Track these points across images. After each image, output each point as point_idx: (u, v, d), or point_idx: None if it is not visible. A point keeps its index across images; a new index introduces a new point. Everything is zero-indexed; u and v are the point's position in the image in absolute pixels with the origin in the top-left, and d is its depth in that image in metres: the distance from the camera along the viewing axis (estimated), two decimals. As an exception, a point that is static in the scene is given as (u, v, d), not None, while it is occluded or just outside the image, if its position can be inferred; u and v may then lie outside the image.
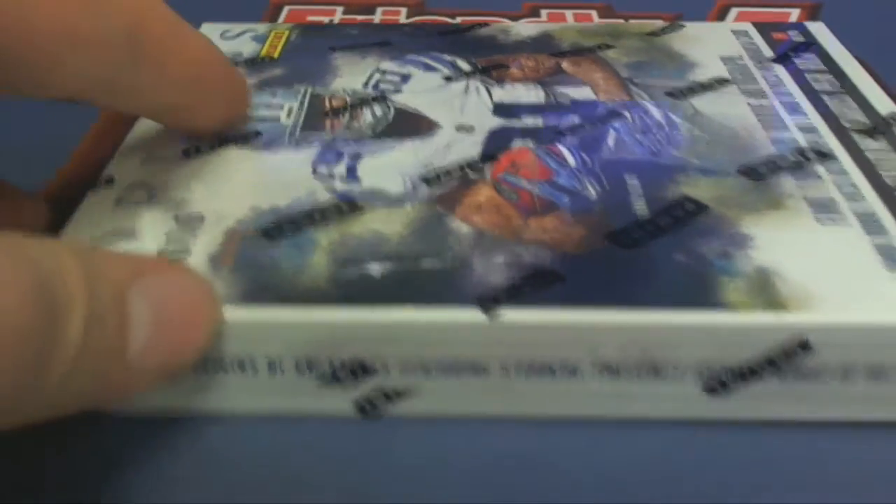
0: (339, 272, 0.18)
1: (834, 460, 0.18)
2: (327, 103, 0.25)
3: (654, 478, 0.18)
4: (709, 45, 0.28)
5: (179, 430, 0.18)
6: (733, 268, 0.18)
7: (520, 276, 0.18)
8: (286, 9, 0.37)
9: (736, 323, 0.17)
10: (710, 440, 0.18)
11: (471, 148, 0.22)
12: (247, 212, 0.20)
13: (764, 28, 0.29)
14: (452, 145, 0.22)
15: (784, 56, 0.27)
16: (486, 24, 0.30)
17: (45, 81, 0.17)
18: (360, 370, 0.18)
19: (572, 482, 0.17)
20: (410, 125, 0.23)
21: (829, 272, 0.18)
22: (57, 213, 0.21)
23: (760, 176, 0.21)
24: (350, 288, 0.18)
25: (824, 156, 0.22)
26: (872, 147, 0.22)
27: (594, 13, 0.35)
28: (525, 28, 0.29)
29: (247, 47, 0.28)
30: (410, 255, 0.19)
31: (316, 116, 0.24)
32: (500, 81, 0.26)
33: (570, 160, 0.22)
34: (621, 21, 0.31)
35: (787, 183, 0.21)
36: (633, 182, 0.21)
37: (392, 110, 0.24)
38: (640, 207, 0.20)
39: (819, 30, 0.29)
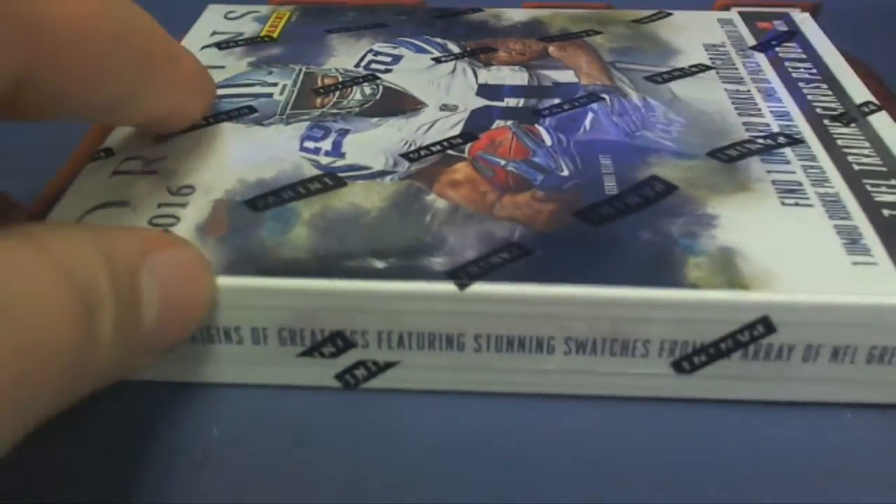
0: (320, 245, 0.19)
1: (795, 441, 0.19)
2: (319, 81, 0.25)
3: (624, 454, 0.18)
4: (694, 32, 0.28)
5: (170, 398, 0.19)
6: (697, 246, 0.19)
7: (491, 250, 0.19)
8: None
9: (698, 299, 0.18)
10: (677, 418, 0.19)
11: (453, 127, 0.23)
12: (234, 184, 0.21)
13: (749, 17, 0.30)
14: (435, 123, 0.23)
15: (766, 44, 0.28)
16: (479, 10, 0.30)
17: (71, 107, 0.17)
18: (340, 342, 0.19)
19: (544, 457, 0.18)
20: (397, 104, 0.24)
21: (791, 253, 0.19)
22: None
23: (730, 158, 0.22)
24: (329, 260, 0.19)
25: (795, 141, 0.23)
26: (843, 133, 0.23)
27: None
28: (516, 13, 0.30)
29: (248, 27, 0.29)
30: (387, 227, 0.19)
31: (307, 94, 0.25)
32: (488, 64, 0.27)
33: (547, 140, 0.23)
34: (611, 9, 0.32)
35: (756, 166, 0.22)
36: (605, 162, 0.22)
37: (380, 89, 0.25)
38: (611, 186, 0.21)
39: (803, 20, 0.29)
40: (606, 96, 0.25)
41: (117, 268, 0.15)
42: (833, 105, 0.24)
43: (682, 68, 0.26)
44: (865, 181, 0.21)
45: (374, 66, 0.26)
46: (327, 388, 0.19)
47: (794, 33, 0.29)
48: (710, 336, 0.18)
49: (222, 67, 0.26)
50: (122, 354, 0.15)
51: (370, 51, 0.27)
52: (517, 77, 0.26)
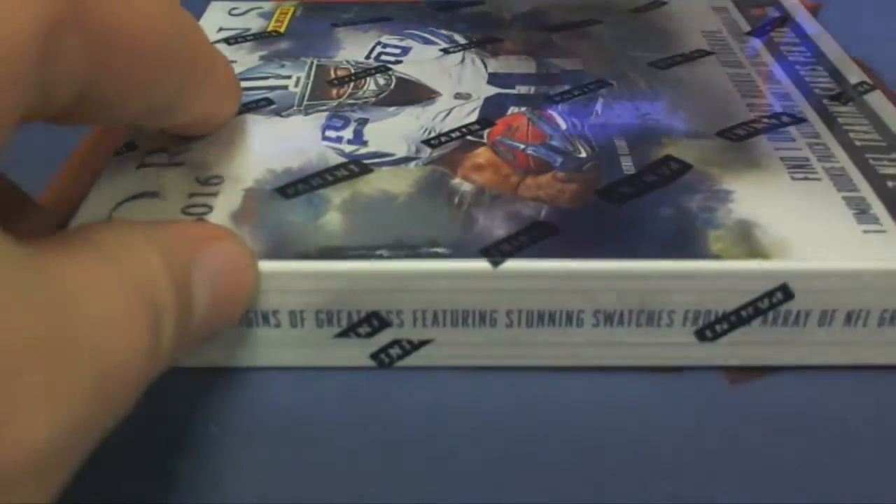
0: (354, 229, 0.19)
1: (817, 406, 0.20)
2: (332, 73, 0.26)
3: (647, 423, 0.19)
4: (690, 20, 0.29)
5: (208, 382, 0.20)
6: (716, 220, 0.20)
7: (519, 229, 0.19)
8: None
9: (721, 269, 0.19)
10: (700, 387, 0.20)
11: (469, 114, 0.24)
12: (263, 173, 0.21)
13: (742, 4, 0.31)
14: (452, 111, 0.24)
15: (761, 30, 0.29)
16: (480, 2, 0.31)
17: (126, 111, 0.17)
18: (375, 321, 0.19)
19: (575, 429, 0.19)
20: (411, 93, 0.25)
21: (805, 224, 0.20)
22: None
23: (738, 137, 0.23)
24: (363, 242, 0.19)
25: (798, 120, 0.24)
26: (842, 111, 0.24)
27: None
28: (518, 4, 0.31)
29: (254, 23, 0.29)
30: (418, 210, 0.20)
31: (322, 85, 0.25)
32: (495, 54, 0.27)
33: (562, 124, 0.23)
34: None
35: (764, 144, 0.22)
36: (620, 143, 0.22)
37: (394, 79, 0.26)
38: (628, 166, 0.21)
39: (794, 7, 0.30)
40: (614, 82, 0.25)
41: (175, 270, 0.15)
42: (830, 85, 0.25)
43: (684, 54, 0.27)
44: (868, 155, 0.22)
45: (383, 57, 0.27)
46: (362, 367, 0.20)
47: (786, 19, 0.30)
48: (732, 304, 0.19)
49: (234, 62, 0.26)
50: (175, 352, 0.15)
51: (378, 43, 0.28)
52: (525, 66, 0.26)
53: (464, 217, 0.20)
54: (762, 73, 0.26)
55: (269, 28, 0.29)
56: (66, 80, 0.14)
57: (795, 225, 0.20)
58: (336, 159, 0.22)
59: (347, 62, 0.27)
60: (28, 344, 0.11)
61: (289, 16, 0.30)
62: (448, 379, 0.20)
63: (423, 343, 0.20)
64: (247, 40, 0.28)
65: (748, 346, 0.20)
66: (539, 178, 0.21)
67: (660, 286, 0.19)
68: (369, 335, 0.19)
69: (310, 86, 0.25)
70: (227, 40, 0.28)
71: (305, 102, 0.24)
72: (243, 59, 0.27)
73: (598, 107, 0.24)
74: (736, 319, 0.19)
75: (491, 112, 0.24)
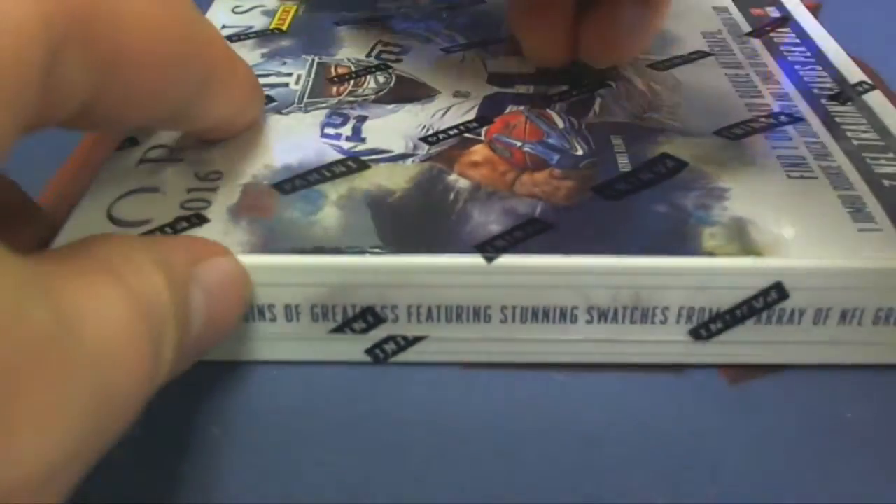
0: (350, 224, 0.20)
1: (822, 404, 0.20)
2: (333, 71, 0.26)
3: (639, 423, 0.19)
4: (690, 20, 0.29)
5: (207, 380, 0.20)
6: (711, 218, 0.20)
7: (515, 225, 0.19)
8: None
9: (715, 266, 0.19)
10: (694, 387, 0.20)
11: (467, 112, 0.24)
12: (261, 169, 0.21)
13: (743, 4, 0.31)
14: (450, 109, 0.24)
15: (761, 30, 0.29)
16: (482, 1, 0.31)
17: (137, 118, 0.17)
18: (370, 317, 0.19)
19: (571, 428, 0.19)
20: (411, 91, 0.25)
21: (800, 222, 0.20)
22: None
23: (735, 136, 0.23)
24: (359, 237, 0.19)
25: (795, 119, 0.24)
26: (841, 111, 0.24)
27: None
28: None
29: (257, 21, 0.29)
30: (414, 206, 0.20)
31: (323, 83, 0.25)
32: (494, 54, 0.27)
33: (559, 122, 0.23)
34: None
35: (761, 143, 0.22)
36: (617, 142, 0.22)
37: (394, 78, 0.26)
38: (624, 164, 0.22)
39: (795, 7, 0.30)
40: (613, 83, 0.26)
41: (175, 286, 0.15)
42: (829, 85, 0.25)
43: (683, 55, 0.27)
44: (865, 155, 0.22)
45: (384, 56, 0.27)
46: (357, 362, 0.20)
47: (786, 19, 0.30)
48: (726, 303, 0.19)
49: (236, 60, 0.27)
50: (173, 367, 0.15)
51: (379, 41, 0.28)
52: (524, 66, 0.27)
53: (459, 213, 0.20)
54: (761, 73, 0.26)
55: (272, 26, 0.29)
56: (69, 94, 0.14)
57: (790, 223, 0.20)
58: (334, 156, 0.22)
59: (348, 60, 0.27)
60: (27, 362, 0.11)
61: (291, 14, 0.30)
62: (443, 374, 0.20)
63: (417, 339, 0.20)
64: (249, 38, 0.28)
65: (743, 345, 0.20)
66: (535, 175, 0.21)
67: (653, 283, 0.19)
68: (364, 331, 0.20)
69: (310, 83, 0.25)
70: (229, 38, 0.28)
71: (306, 100, 0.25)
72: (245, 56, 0.27)
73: (596, 106, 0.24)
74: (730, 318, 0.19)
75: (489, 110, 0.24)
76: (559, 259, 0.19)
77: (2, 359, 0.11)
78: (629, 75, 0.26)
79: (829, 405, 0.19)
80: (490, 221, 0.20)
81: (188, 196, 0.20)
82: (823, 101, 0.24)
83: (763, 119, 0.24)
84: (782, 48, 0.28)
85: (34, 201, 0.21)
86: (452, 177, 0.21)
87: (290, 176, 0.21)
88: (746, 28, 0.29)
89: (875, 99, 0.24)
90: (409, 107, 0.24)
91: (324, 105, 0.24)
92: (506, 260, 0.19)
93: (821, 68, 0.26)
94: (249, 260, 0.19)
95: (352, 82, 0.25)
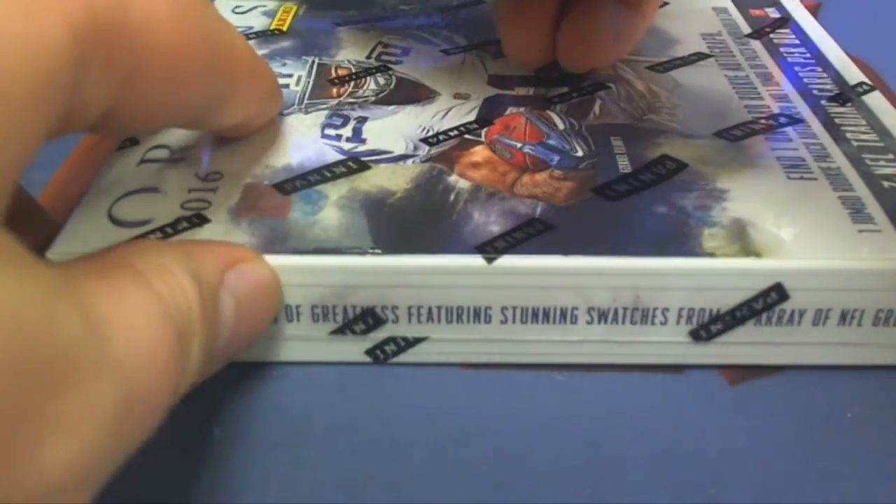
0: (350, 224, 0.20)
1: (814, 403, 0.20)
2: (333, 72, 0.26)
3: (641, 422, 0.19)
4: (690, 21, 0.29)
5: (208, 381, 0.20)
6: (711, 219, 0.20)
7: (515, 226, 0.20)
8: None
9: (715, 267, 0.19)
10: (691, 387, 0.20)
11: (467, 113, 0.24)
12: (262, 169, 0.21)
13: (742, 4, 0.31)
14: (450, 111, 0.24)
15: (761, 31, 0.29)
16: (482, 2, 0.31)
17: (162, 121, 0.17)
18: (370, 319, 0.19)
19: (572, 428, 0.19)
20: (411, 92, 0.25)
21: (800, 223, 0.20)
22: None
23: (735, 138, 0.23)
24: (359, 238, 0.19)
25: (795, 120, 0.24)
26: (840, 112, 0.24)
27: None
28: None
29: (257, 21, 0.29)
30: (414, 206, 0.20)
31: (323, 84, 0.25)
32: (495, 55, 0.27)
33: (559, 124, 0.23)
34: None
35: (760, 144, 0.23)
36: (617, 143, 0.23)
37: (394, 79, 0.26)
38: (624, 165, 0.22)
39: (795, 8, 0.31)
40: (612, 85, 0.26)
41: (205, 293, 0.15)
42: (828, 86, 0.25)
43: (682, 57, 0.27)
44: (865, 156, 0.22)
45: (384, 57, 0.27)
46: (357, 363, 0.20)
47: (786, 20, 0.30)
48: (726, 304, 0.19)
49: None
50: (199, 374, 0.15)
51: (379, 43, 0.28)
52: (524, 67, 0.27)
53: (459, 214, 0.20)
54: (761, 74, 0.26)
55: (272, 26, 0.29)
56: (92, 104, 0.14)
57: (790, 224, 0.20)
58: (334, 156, 0.22)
59: (348, 61, 0.27)
60: (57, 369, 0.11)
61: (291, 14, 0.30)
62: (443, 375, 0.20)
63: (418, 340, 0.20)
64: (250, 38, 0.28)
65: (743, 346, 0.20)
66: (535, 176, 0.21)
67: (653, 283, 0.19)
68: (364, 332, 0.20)
69: (311, 85, 0.25)
70: (229, 40, 0.28)
71: (306, 101, 0.25)
72: (245, 58, 0.27)
73: (596, 108, 0.24)
74: (730, 319, 0.19)
75: (489, 112, 0.24)
76: (559, 260, 0.19)
77: (32, 366, 0.11)
78: (628, 77, 0.26)
79: (829, 405, 0.19)
80: (490, 222, 0.20)
81: (189, 196, 0.21)
82: (823, 102, 0.25)
83: (763, 120, 0.24)
84: (782, 49, 0.28)
85: (37, 202, 0.22)
86: (453, 178, 0.21)
87: (290, 176, 0.21)
88: (746, 29, 0.29)
89: (875, 100, 0.25)
90: (409, 108, 0.24)
91: (324, 106, 0.24)
92: (506, 261, 0.19)
93: (820, 69, 0.26)
94: None
95: (352, 84, 0.26)
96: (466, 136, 0.23)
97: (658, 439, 0.19)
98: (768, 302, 0.19)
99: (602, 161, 0.22)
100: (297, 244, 0.19)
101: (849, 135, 0.23)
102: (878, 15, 0.35)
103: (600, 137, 0.23)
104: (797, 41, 0.28)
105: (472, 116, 0.24)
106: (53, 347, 0.11)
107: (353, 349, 0.20)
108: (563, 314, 0.19)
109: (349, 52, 0.27)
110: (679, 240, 0.19)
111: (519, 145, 0.22)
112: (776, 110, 0.24)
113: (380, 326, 0.19)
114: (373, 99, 0.25)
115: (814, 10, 0.31)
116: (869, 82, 0.25)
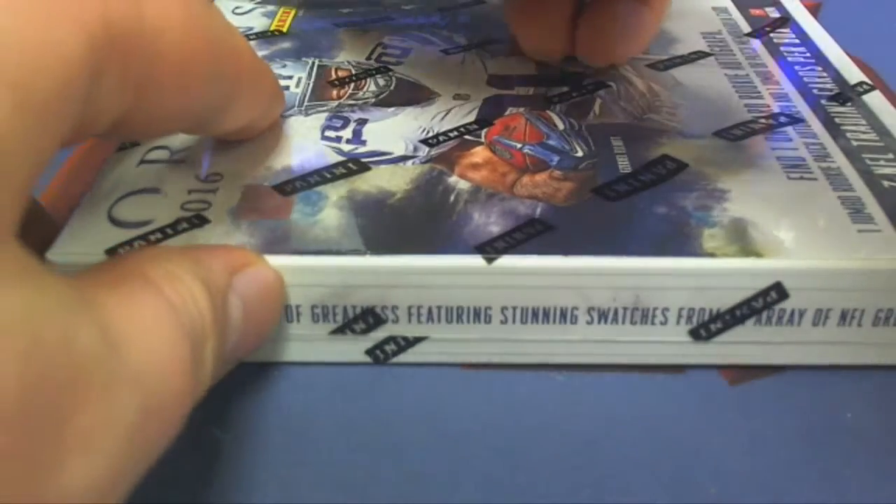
0: (350, 225, 0.20)
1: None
2: (333, 74, 0.26)
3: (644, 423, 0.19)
4: (690, 20, 0.30)
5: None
6: (711, 219, 0.20)
7: (515, 226, 0.20)
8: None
9: (715, 267, 0.19)
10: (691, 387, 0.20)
11: (467, 114, 0.24)
12: (261, 170, 0.21)
13: (743, 4, 0.31)
14: (450, 111, 0.24)
15: (761, 31, 0.29)
16: (482, 2, 0.31)
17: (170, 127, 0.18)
18: (370, 318, 0.19)
19: (572, 428, 0.19)
20: (411, 94, 0.25)
21: (800, 222, 0.20)
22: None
23: (735, 138, 0.23)
24: (359, 238, 0.19)
25: (795, 120, 0.24)
26: (840, 112, 0.24)
27: None
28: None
29: (257, 22, 0.29)
30: (414, 207, 0.20)
31: (323, 86, 0.25)
32: (494, 55, 0.27)
33: (559, 124, 0.23)
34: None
35: (760, 144, 0.23)
36: (617, 143, 0.23)
37: (394, 80, 0.26)
38: (624, 165, 0.22)
39: (795, 7, 0.31)
40: (612, 84, 0.26)
41: (215, 298, 0.15)
42: (829, 86, 0.25)
43: (683, 55, 0.27)
44: (864, 156, 0.22)
45: (384, 58, 0.27)
46: (357, 363, 0.20)
47: (786, 19, 0.30)
48: (726, 303, 0.19)
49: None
50: (212, 379, 0.15)
51: (379, 44, 0.28)
52: (524, 67, 0.27)
53: (459, 214, 0.20)
54: (761, 73, 0.26)
55: (272, 27, 0.29)
56: (104, 113, 0.14)
57: (790, 224, 0.20)
58: (334, 157, 0.22)
59: (348, 63, 0.27)
60: (75, 384, 0.11)
61: (291, 15, 0.30)
62: (443, 375, 0.20)
63: (418, 340, 0.20)
64: (250, 39, 0.28)
65: (743, 346, 0.20)
66: (535, 177, 0.21)
67: (653, 283, 0.19)
68: (364, 332, 0.20)
69: (311, 86, 0.25)
70: (230, 41, 0.28)
71: (306, 103, 0.25)
72: (246, 59, 0.27)
73: (596, 107, 0.24)
74: (730, 319, 0.19)
75: (489, 112, 0.24)
76: (559, 260, 0.19)
77: (53, 382, 0.11)
78: (629, 76, 0.26)
79: (829, 405, 0.19)
80: (490, 223, 0.20)
81: (189, 197, 0.21)
82: (823, 101, 0.25)
83: (763, 120, 0.24)
84: (782, 48, 0.28)
85: (39, 202, 0.22)
86: (453, 178, 0.21)
87: (290, 178, 0.21)
88: (746, 28, 0.29)
89: (875, 99, 0.25)
90: (409, 109, 0.24)
91: (324, 108, 0.24)
92: (506, 261, 0.19)
93: (820, 69, 0.26)
94: None
95: (352, 85, 0.26)
96: (466, 136, 0.23)
97: (658, 439, 0.19)
98: (768, 301, 0.19)
99: (602, 161, 0.22)
100: (297, 245, 0.19)
101: (849, 134, 0.23)
102: (878, 15, 0.35)
103: (600, 137, 0.23)
104: (797, 40, 0.28)
105: (471, 117, 0.24)
106: (72, 362, 0.11)
107: (353, 349, 0.20)
108: (563, 314, 0.19)
109: (349, 54, 0.27)
110: (679, 240, 0.19)
111: (519, 146, 0.23)
112: (776, 109, 0.24)
113: (380, 326, 0.19)
114: (373, 100, 0.25)
115: (814, 10, 0.31)
116: (869, 82, 0.25)
